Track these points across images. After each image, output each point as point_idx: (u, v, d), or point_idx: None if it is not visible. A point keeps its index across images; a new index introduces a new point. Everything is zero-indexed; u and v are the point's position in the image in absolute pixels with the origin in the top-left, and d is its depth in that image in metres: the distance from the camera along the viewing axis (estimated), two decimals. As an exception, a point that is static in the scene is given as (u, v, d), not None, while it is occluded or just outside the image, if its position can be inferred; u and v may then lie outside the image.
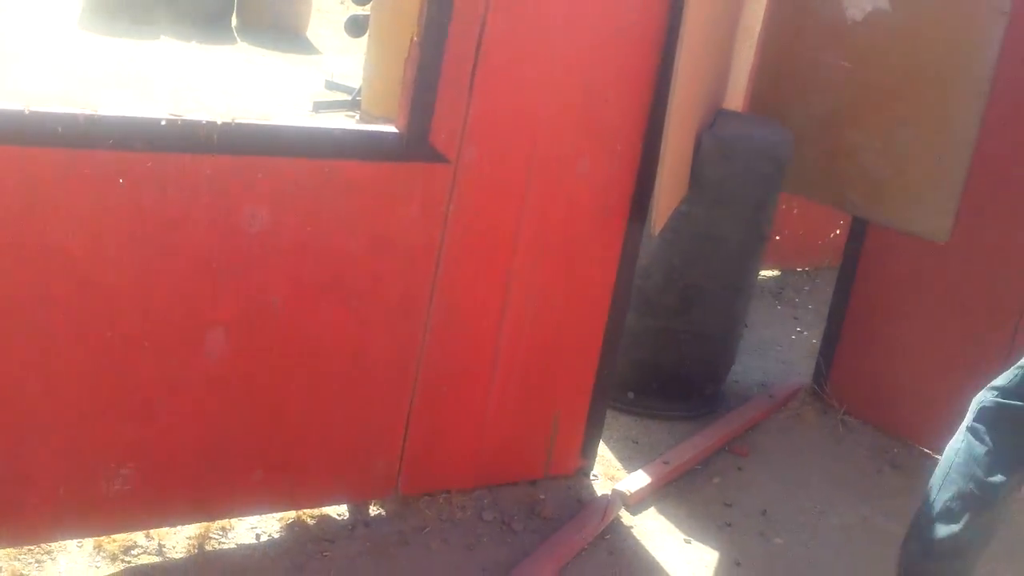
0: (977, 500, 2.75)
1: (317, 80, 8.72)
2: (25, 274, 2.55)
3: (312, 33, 10.73)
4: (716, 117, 4.16)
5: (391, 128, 2.95)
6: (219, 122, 2.65)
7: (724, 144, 3.94)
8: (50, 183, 2.51)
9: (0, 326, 2.56)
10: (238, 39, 10.05)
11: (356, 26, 8.05)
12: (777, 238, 5.10)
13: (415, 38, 2.90)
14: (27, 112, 2.45)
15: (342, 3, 10.93)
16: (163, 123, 2.59)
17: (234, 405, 2.91)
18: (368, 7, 7.70)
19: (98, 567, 2.88)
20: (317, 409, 3.05)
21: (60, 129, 2.47)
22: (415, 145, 2.94)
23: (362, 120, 7.36)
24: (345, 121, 7.24)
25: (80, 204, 2.55)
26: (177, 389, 2.82)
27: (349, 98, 7.93)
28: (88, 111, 2.50)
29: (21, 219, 2.50)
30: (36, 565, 2.84)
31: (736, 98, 4.58)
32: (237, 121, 2.68)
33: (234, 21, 10.41)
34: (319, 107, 7.97)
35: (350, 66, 8.95)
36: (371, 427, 3.18)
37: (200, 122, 2.63)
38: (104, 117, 2.52)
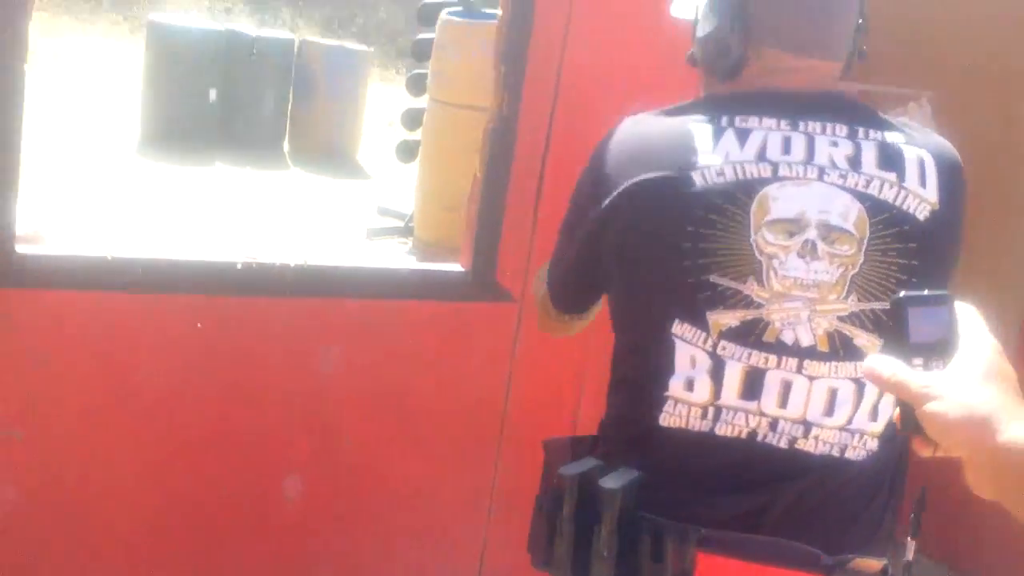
0: None
1: (368, 204, 8.85)
2: (105, 415, 2.58)
3: (362, 156, 10.91)
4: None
5: (456, 267, 2.97)
6: (292, 264, 2.70)
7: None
8: (130, 326, 2.55)
9: (78, 466, 2.58)
10: (290, 164, 10.26)
11: (406, 152, 8.20)
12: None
13: (478, 175, 2.92)
14: (109, 259, 2.51)
15: (391, 125, 11.14)
16: (239, 267, 2.64)
17: (307, 552, 2.88)
18: (418, 132, 7.86)
19: None
20: (388, 554, 3.01)
21: (141, 272, 2.53)
22: (481, 283, 2.94)
23: (415, 247, 7.46)
24: (408, 258, 7.30)
25: (158, 346, 2.60)
26: (254, 533, 2.80)
27: (402, 224, 8.02)
28: (169, 256, 2.56)
29: (102, 361, 2.55)
30: None
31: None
32: (310, 263, 2.72)
33: (286, 146, 10.63)
34: (372, 234, 8.06)
35: (400, 189, 9.10)
36: (444, 569, 3.13)
37: (274, 265, 2.67)
38: (185, 262, 2.58)
